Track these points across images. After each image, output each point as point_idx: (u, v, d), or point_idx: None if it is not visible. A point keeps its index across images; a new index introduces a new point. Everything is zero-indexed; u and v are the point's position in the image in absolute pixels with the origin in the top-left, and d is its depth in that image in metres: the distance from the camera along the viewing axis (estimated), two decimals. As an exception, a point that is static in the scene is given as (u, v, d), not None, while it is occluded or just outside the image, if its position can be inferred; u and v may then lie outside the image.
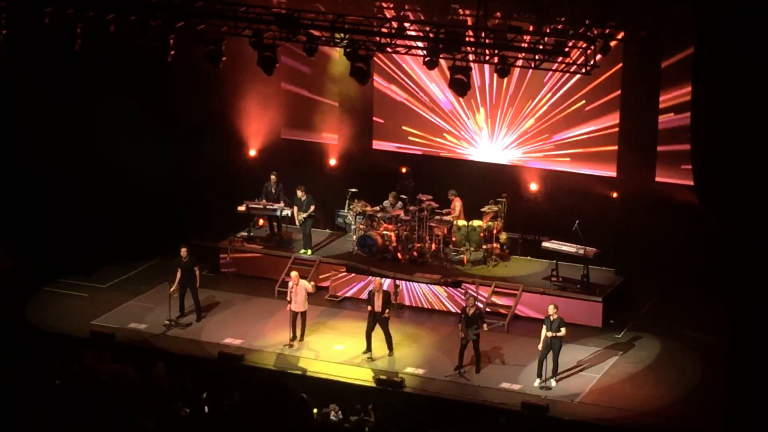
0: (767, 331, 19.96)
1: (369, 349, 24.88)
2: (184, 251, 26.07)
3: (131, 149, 28.31)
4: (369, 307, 24.94)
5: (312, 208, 28.47)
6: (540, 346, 23.65)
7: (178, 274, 26.00)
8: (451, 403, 23.04)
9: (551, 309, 23.86)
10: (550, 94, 28.31)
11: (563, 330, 23.63)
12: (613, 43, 24.06)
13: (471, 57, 23.15)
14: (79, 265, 28.10)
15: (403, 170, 29.61)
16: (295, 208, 28.49)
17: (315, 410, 21.68)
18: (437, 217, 28.05)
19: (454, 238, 28.12)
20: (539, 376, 23.72)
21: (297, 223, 28.60)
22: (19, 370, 22.03)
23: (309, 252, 28.50)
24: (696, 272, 26.12)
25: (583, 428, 22.44)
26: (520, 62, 23.35)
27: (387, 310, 24.75)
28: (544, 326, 23.71)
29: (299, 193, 28.49)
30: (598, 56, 22.94)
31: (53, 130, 27.29)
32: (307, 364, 24.53)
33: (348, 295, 27.67)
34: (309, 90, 30.42)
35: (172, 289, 25.96)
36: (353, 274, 27.68)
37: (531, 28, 23.46)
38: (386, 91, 29.75)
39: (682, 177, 26.28)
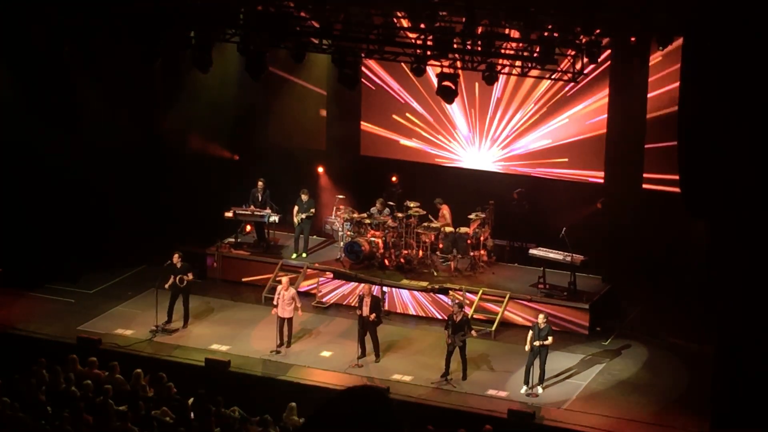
0: (753, 339, 19.98)
1: (363, 354, 24.85)
2: (176, 257, 26.02)
3: (117, 155, 28.27)
4: (358, 311, 24.99)
5: (312, 211, 28.52)
6: (527, 348, 23.66)
7: (171, 279, 25.90)
8: (437, 410, 23.03)
9: (541, 318, 23.87)
10: (537, 101, 28.37)
11: (550, 339, 23.65)
12: (600, 51, 24.08)
13: (458, 64, 23.19)
14: (66, 271, 28.06)
15: (394, 179, 29.59)
16: (296, 209, 28.51)
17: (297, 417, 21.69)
18: (425, 224, 28.06)
19: (441, 245, 28.13)
20: (526, 383, 23.73)
21: (294, 222, 28.58)
22: (4, 376, 22.00)
23: (304, 255, 28.52)
24: (682, 280, 26.19)
25: (570, 435, 22.48)
26: (507, 69, 23.40)
27: (373, 315, 24.74)
28: (531, 332, 23.73)
29: (303, 197, 28.54)
30: (586, 62, 23.02)
31: (38, 135, 27.21)
32: (294, 371, 24.51)
33: (335, 301, 27.67)
34: (296, 96, 30.47)
35: (168, 284, 25.84)
36: (340, 280, 27.70)
37: (518, 36, 23.51)
38: (374, 97, 29.78)
39: (669, 184, 26.33)
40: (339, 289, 27.68)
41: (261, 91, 30.04)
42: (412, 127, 29.65)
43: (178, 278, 25.81)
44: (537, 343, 23.52)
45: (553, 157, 28.51)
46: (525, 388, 23.70)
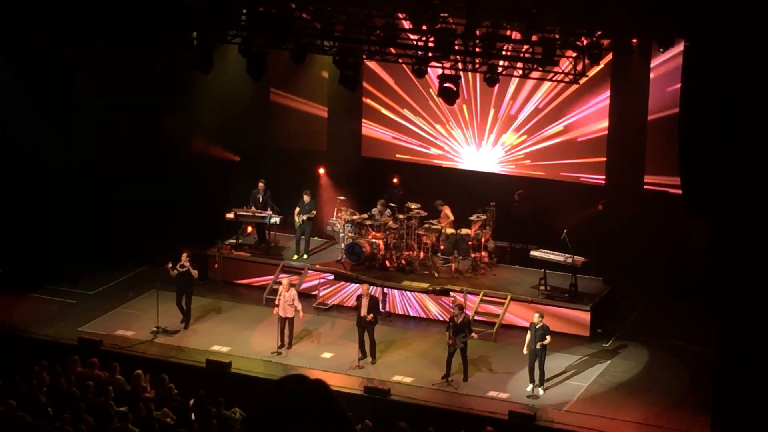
0: (753, 340, 19.97)
1: (364, 355, 24.84)
2: (184, 256, 26.02)
3: (119, 156, 28.31)
4: (356, 309, 25.01)
5: (313, 212, 28.56)
6: (525, 351, 23.68)
7: (176, 272, 25.91)
8: (438, 412, 23.02)
9: (536, 317, 23.87)
10: (538, 102, 28.38)
11: (548, 338, 23.64)
12: (601, 52, 24.09)
13: (459, 66, 23.19)
14: (67, 272, 28.06)
15: (395, 180, 29.62)
16: (297, 210, 28.53)
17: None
18: (426, 225, 28.07)
19: (442, 247, 28.13)
20: (532, 381, 23.71)
21: (295, 224, 28.61)
22: (5, 377, 21.99)
23: (305, 256, 28.54)
24: (683, 281, 26.20)
25: (571, 437, 22.47)
26: (508, 71, 23.41)
27: (371, 315, 24.74)
28: (529, 332, 23.75)
29: (305, 198, 28.57)
30: (588, 64, 23.03)
31: (38, 136, 27.24)
32: (295, 372, 24.47)
33: (336, 303, 27.66)
34: (298, 97, 30.51)
35: (170, 268, 25.85)
36: (341, 282, 27.71)
37: (520, 37, 23.52)
38: (375, 98, 29.80)
39: (670, 185, 26.34)
40: (340, 291, 27.69)
41: (262, 92, 30.07)
42: (414, 129, 29.66)
43: (179, 265, 25.81)
44: (538, 345, 23.51)
45: (555, 159, 28.50)
46: (531, 386, 23.70)
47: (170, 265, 25.82)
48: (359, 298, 25.15)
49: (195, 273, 26.07)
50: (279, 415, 6.27)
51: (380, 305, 25.83)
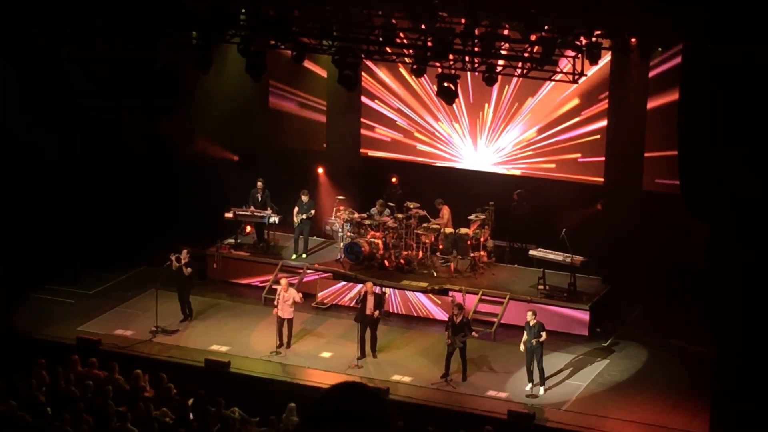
0: (753, 339, 19.99)
1: (363, 355, 24.84)
2: (185, 252, 26.03)
3: (118, 156, 28.29)
4: (358, 306, 24.98)
5: (312, 212, 28.56)
6: (522, 348, 23.69)
7: (177, 266, 25.97)
8: (437, 411, 23.03)
9: (529, 315, 23.88)
10: (537, 102, 28.37)
11: (543, 335, 23.64)
12: (600, 52, 24.09)
13: (458, 65, 23.20)
14: (66, 272, 28.05)
15: (394, 180, 29.61)
16: (295, 209, 28.53)
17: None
18: (424, 224, 28.08)
19: (441, 246, 28.14)
20: (530, 380, 23.73)
21: (294, 223, 28.61)
22: (4, 377, 22.00)
23: (304, 255, 28.54)
24: (682, 280, 26.21)
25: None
26: (507, 70, 23.41)
27: (377, 312, 24.75)
28: (525, 332, 23.77)
29: (303, 198, 28.57)
30: (586, 63, 23.04)
31: (40, 137, 27.22)
32: (294, 372, 24.51)
33: (335, 302, 27.66)
34: (297, 96, 30.50)
35: (175, 265, 25.93)
36: (340, 281, 27.70)
37: (519, 37, 23.53)
38: (374, 98, 29.79)
39: (669, 185, 26.34)
40: (339, 290, 27.68)
41: (262, 92, 30.07)
42: (413, 128, 29.66)
43: (175, 258, 25.84)
44: (534, 341, 23.53)
45: (554, 158, 28.48)
46: (530, 385, 23.72)
47: (173, 258, 25.87)
48: (363, 296, 25.13)
49: (187, 271, 26.07)
50: (326, 422, 6.22)
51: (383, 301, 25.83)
